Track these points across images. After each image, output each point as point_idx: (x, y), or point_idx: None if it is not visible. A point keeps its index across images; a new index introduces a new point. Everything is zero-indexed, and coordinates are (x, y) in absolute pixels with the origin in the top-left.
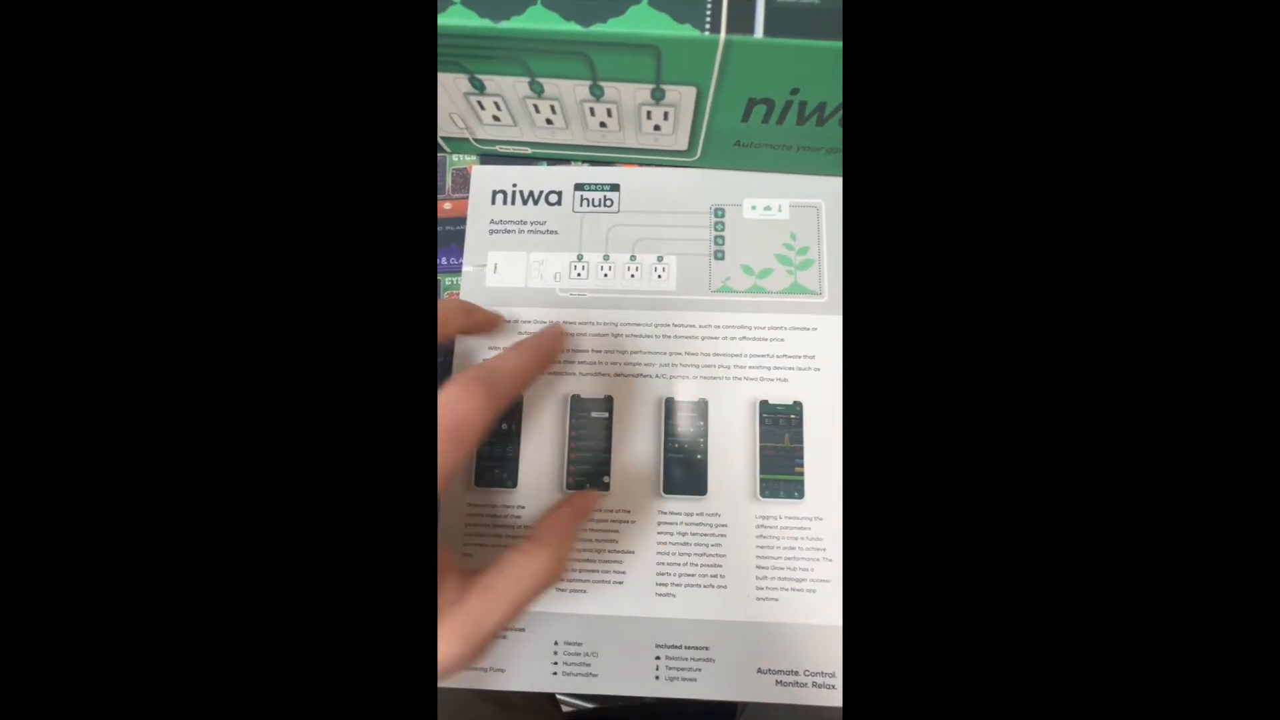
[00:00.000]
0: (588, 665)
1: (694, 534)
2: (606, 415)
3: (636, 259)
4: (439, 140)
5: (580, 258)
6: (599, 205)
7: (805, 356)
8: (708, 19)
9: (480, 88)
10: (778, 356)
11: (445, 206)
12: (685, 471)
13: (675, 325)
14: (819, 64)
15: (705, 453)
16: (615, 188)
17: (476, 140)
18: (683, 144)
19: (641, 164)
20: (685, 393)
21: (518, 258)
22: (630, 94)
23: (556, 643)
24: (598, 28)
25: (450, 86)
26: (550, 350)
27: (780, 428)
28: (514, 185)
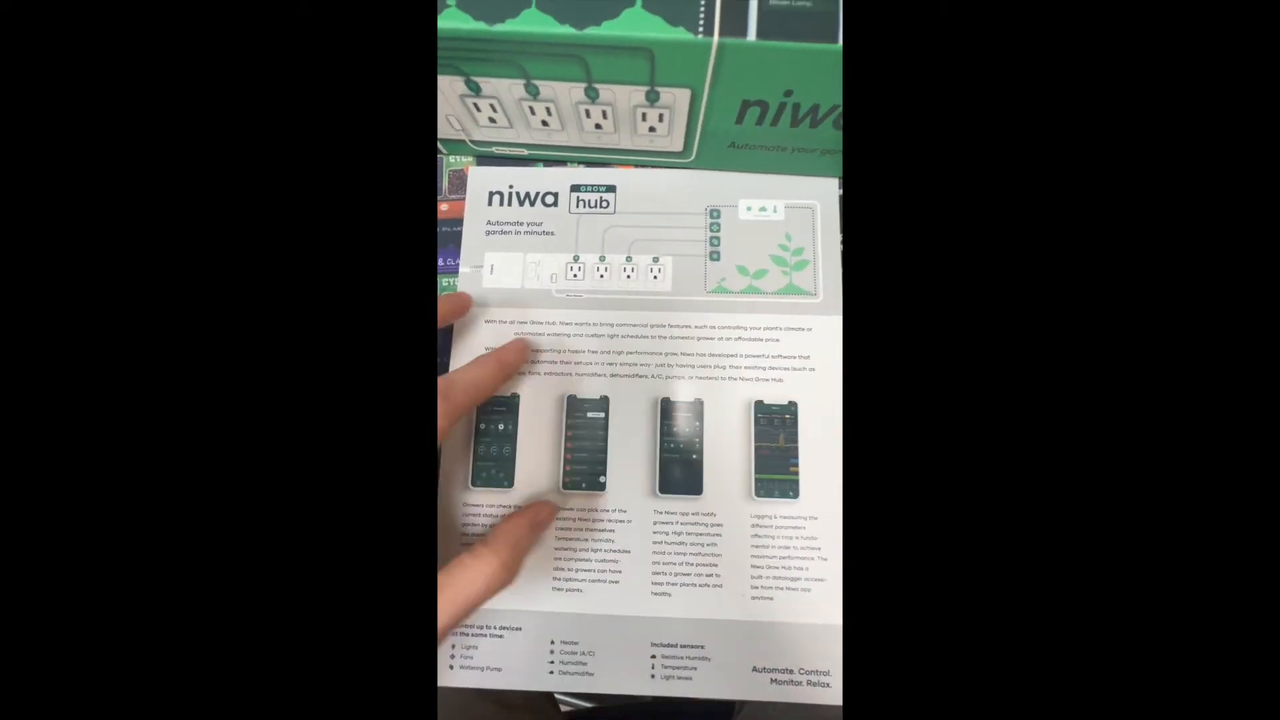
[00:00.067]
0: (584, 664)
1: (689, 533)
2: (603, 415)
3: (632, 260)
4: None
5: (577, 259)
6: (595, 206)
7: (800, 357)
8: (701, 21)
9: (476, 90)
10: (773, 357)
11: (442, 208)
12: (681, 471)
13: (671, 326)
14: (812, 66)
15: (701, 453)
16: (611, 189)
17: (473, 142)
18: (678, 145)
19: (637, 165)
20: (681, 393)
21: (514, 259)
22: (625, 96)
23: (553, 642)
24: (592, 31)
25: (446, 89)
26: (511, 363)
27: (775, 428)
28: (510, 186)
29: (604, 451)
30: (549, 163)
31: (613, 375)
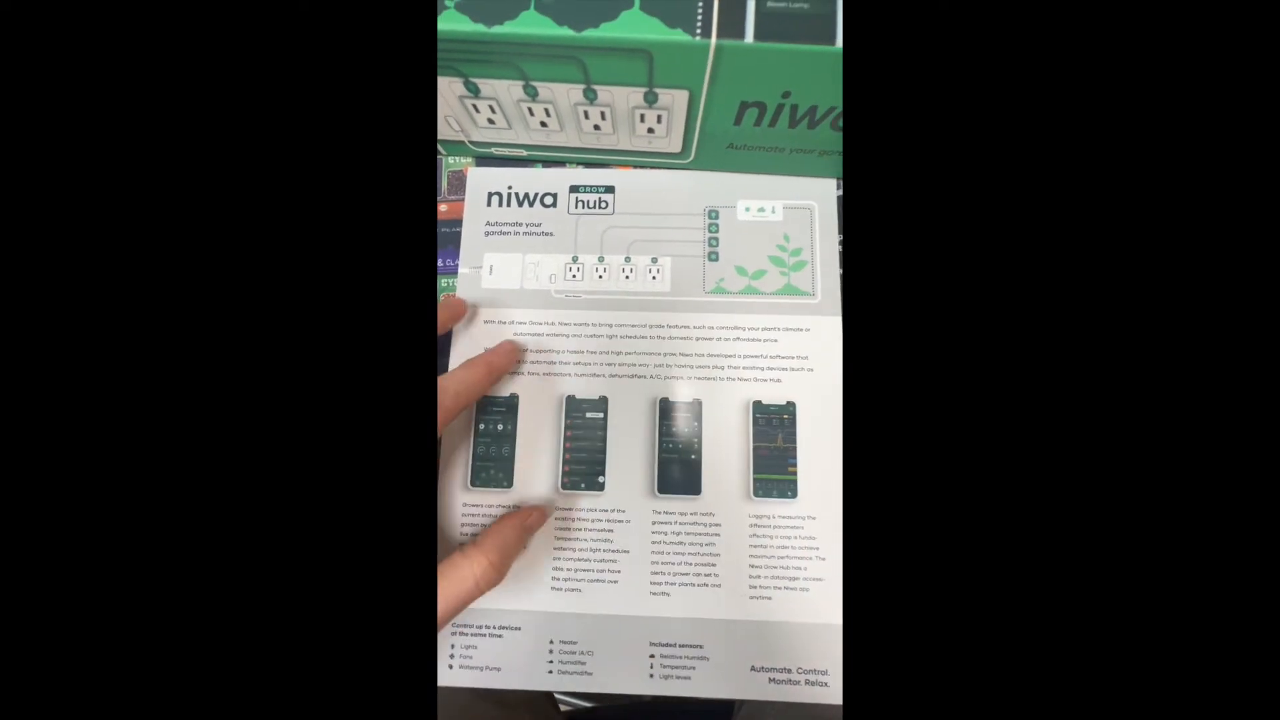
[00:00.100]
0: (583, 664)
1: (688, 533)
2: (602, 416)
3: (631, 260)
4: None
5: (575, 259)
6: (594, 207)
7: (798, 357)
8: (699, 23)
9: (475, 91)
10: (771, 357)
11: (441, 208)
12: (679, 471)
13: (670, 326)
14: (809, 68)
15: (699, 453)
16: (610, 190)
17: (472, 143)
18: (676, 146)
19: (636, 166)
20: (679, 393)
21: (513, 259)
22: (623, 97)
23: (552, 642)
24: (590, 32)
25: (445, 90)
26: (500, 365)
27: (773, 428)
28: (509, 187)
29: (603, 452)
30: (548, 163)
31: (611, 375)
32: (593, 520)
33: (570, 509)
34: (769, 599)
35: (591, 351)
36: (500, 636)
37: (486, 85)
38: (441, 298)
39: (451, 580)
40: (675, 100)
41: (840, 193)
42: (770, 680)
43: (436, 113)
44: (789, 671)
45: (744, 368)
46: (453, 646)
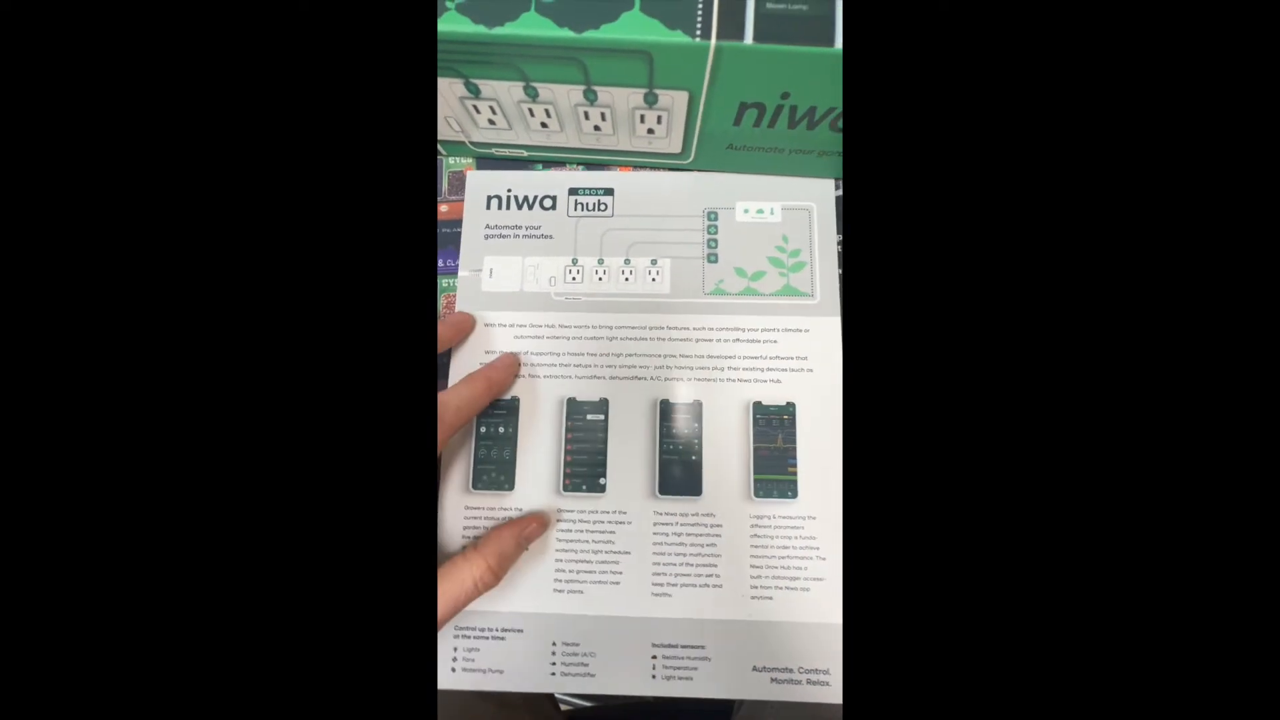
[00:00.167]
0: (585, 665)
1: (689, 534)
2: (602, 418)
3: (631, 262)
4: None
5: (575, 261)
6: (593, 209)
7: (798, 358)
8: (698, 25)
9: (475, 92)
10: (770, 358)
11: (442, 209)
12: (680, 472)
13: (669, 328)
14: (809, 69)
15: (700, 454)
16: (609, 192)
17: (472, 143)
18: (676, 147)
19: (636, 167)
20: (680, 394)
21: (513, 262)
22: (623, 98)
23: (554, 643)
24: (590, 34)
25: (446, 91)
26: (500, 380)
27: (773, 428)
28: (509, 190)
29: (603, 453)
30: (548, 164)
31: (612, 377)
32: (594, 522)
33: (572, 511)
34: (770, 599)
35: (592, 354)
36: (503, 639)
37: (487, 86)
38: (450, 315)
39: (451, 582)
40: (675, 101)
41: (839, 193)
42: (772, 680)
43: (436, 113)
44: (790, 671)
45: (744, 369)
46: (455, 649)
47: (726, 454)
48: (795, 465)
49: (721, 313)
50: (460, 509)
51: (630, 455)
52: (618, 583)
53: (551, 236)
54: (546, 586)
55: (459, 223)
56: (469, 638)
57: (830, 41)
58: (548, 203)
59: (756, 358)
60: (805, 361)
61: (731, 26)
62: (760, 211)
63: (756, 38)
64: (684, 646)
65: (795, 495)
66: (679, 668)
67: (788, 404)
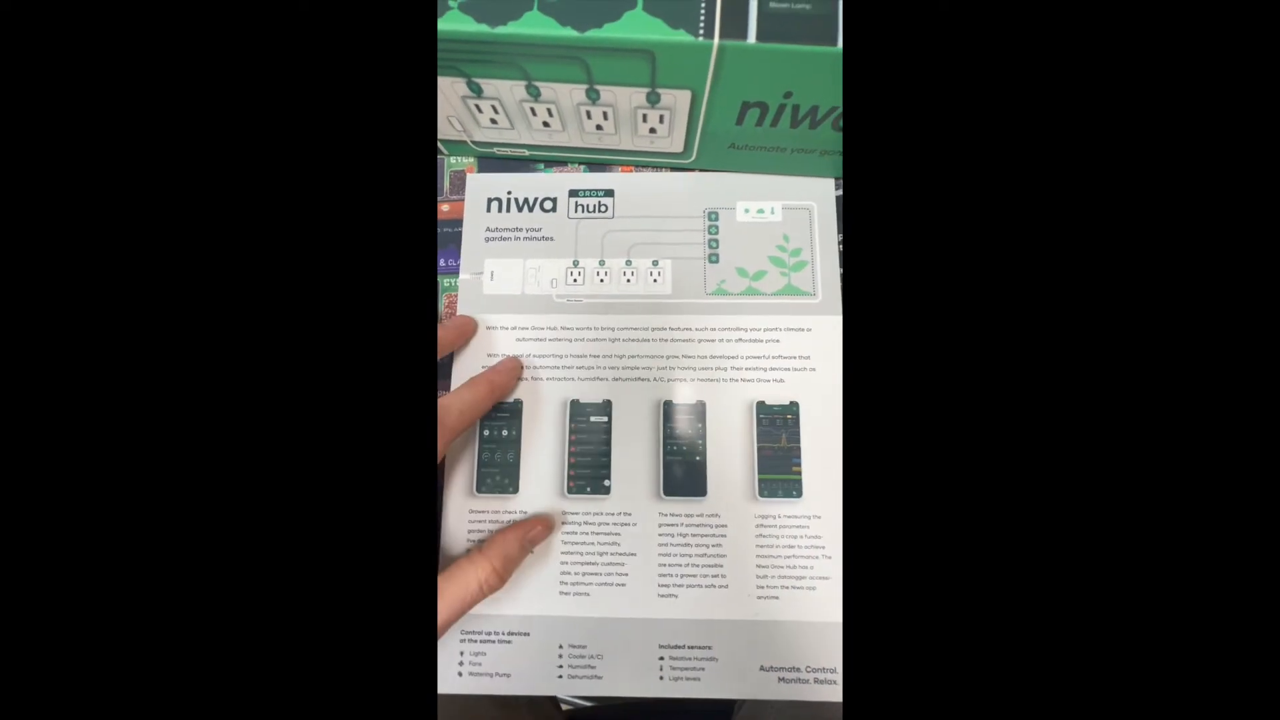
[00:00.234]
0: (593, 668)
1: (694, 535)
2: (606, 419)
3: (632, 263)
4: (437, 143)
5: (576, 263)
6: (594, 211)
7: (800, 357)
8: (701, 24)
9: (478, 91)
10: (773, 358)
11: (443, 208)
12: (684, 473)
13: (672, 329)
14: (811, 68)
15: (704, 454)
16: (610, 193)
17: (474, 143)
18: (678, 146)
19: (637, 166)
20: (683, 395)
21: (514, 265)
22: (626, 97)
23: (561, 646)
24: (593, 33)
25: (448, 90)
26: (502, 384)
27: (777, 428)
28: (509, 192)
29: (607, 455)
30: (550, 164)
31: (615, 379)
32: (599, 524)
33: (577, 513)
34: (776, 598)
35: (594, 355)
36: (509, 642)
37: (489, 85)
38: (452, 318)
39: (457, 584)
40: (678, 100)
41: (839, 193)
42: (779, 679)
43: (437, 113)
44: (798, 670)
45: (746, 368)
46: (461, 654)
47: (730, 454)
48: (799, 465)
49: (723, 313)
50: (465, 512)
51: (634, 457)
52: (624, 584)
53: (552, 238)
54: (552, 589)
55: (460, 222)
56: (475, 641)
57: (833, 41)
58: (548, 205)
59: (759, 357)
60: (808, 361)
61: (734, 25)
62: (761, 211)
63: (760, 37)
64: (691, 647)
65: (800, 494)
66: (686, 668)
67: (791, 403)
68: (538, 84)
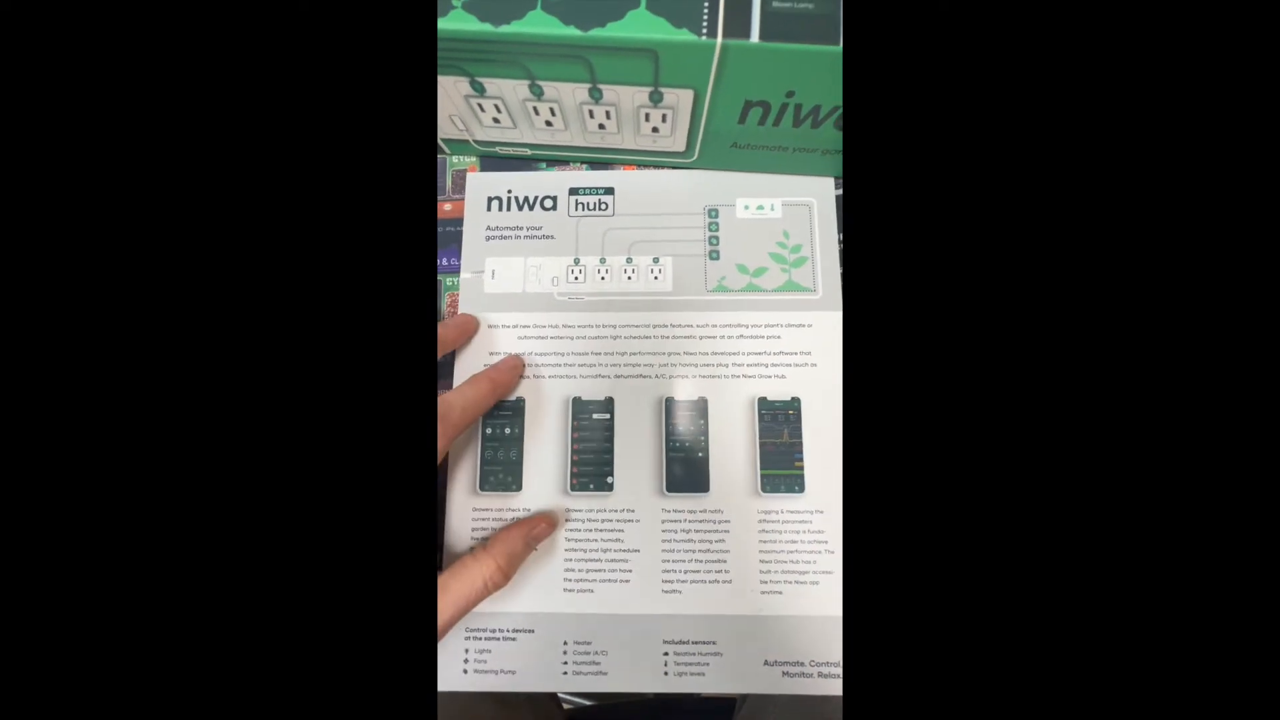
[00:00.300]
0: (597, 664)
1: (697, 531)
2: (608, 416)
3: (633, 261)
4: (439, 142)
5: (577, 261)
6: (594, 209)
7: (801, 353)
8: (704, 23)
9: (480, 90)
10: (774, 353)
11: (445, 207)
12: (687, 469)
13: (673, 325)
14: (814, 67)
15: (706, 450)
16: (610, 191)
17: (476, 142)
18: (680, 145)
19: (640, 165)
20: (685, 392)
21: (515, 263)
22: (629, 96)
23: (566, 643)
24: (596, 32)
25: (451, 89)
26: (504, 381)
27: (779, 423)
28: (509, 191)
29: (610, 452)
30: (552, 163)
31: (616, 376)
32: (602, 520)
33: (580, 510)
34: (780, 593)
35: (596, 353)
36: (514, 640)
37: (492, 84)
38: (454, 318)
39: (462, 581)
40: (680, 99)
41: (839, 192)
42: (784, 674)
43: (437, 113)
44: (802, 665)
45: (748, 364)
46: (466, 651)
47: (733, 450)
48: (801, 460)
49: (724, 309)
50: (468, 511)
51: (637, 453)
52: (628, 581)
53: (553, 237)
54: (556, 586)
55: (461, 221)
56: (480, 639)
57: (836, 40)
58: (548, 203)
59: (760, 353)
60: (809, 356)
61: (738, 25)
62: (761, 208)
63: (763, 36)
64: (695, 643)
65: (802, 489)
66: (691, 664)
67: (793, 399)
68: (541, 83)
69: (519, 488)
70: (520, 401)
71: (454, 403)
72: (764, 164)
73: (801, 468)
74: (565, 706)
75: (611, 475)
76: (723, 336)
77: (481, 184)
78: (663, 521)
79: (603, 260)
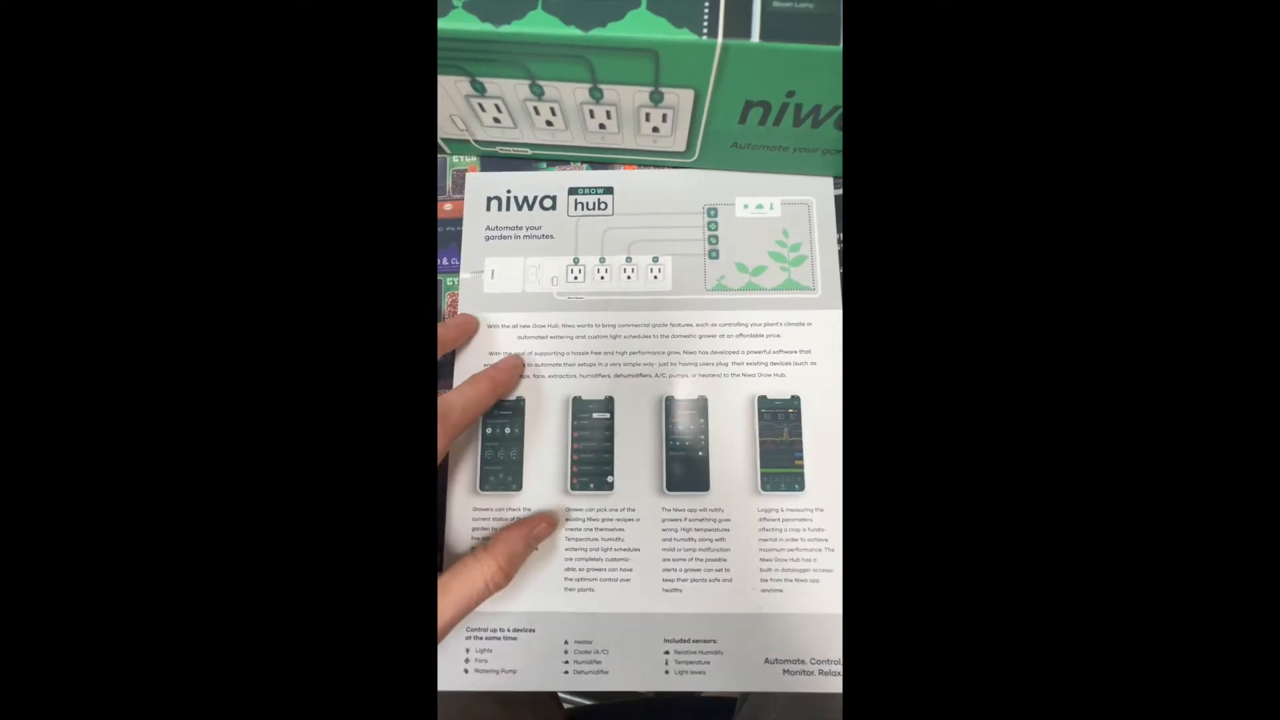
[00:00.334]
0: (598, 663)
1: (698, 529)
2: (608, 416)
3: (632, 260)
4: (440, 142)
5: (577, 261)
6: (593, 209)
7: (801, 351)
8: (705, 23)
9: (481, 90)
10: (774, 352)
11: (445, 207)
12: (687, 468)
13: (672, 325)
14: (815, 67)
15: (706, 449)
16: (609, 191)
17: (477, 141)
18: (681, 145)
19: (640, 165)
20: (685, 391)
21: (514, 263)
22: (629, 96)
23: (567, 642)
24: (597, 32)
25: (451, 89)
26: (504, 381)
27: (779, 422)
28: (508, 191)
29: (610, 451)
30: (552, 163)
31: (616, 375)
32: (603, 520)
33: (580, 509)
34: (780, 591)
35: (596, 352)
36: (515, 639)
37: (493, 84)
38: (454, 317)
39: (463, 581)
40: (681, 99)
41: (838, 191)
42: (784, 672)
43: (437, 112)
44: (802, 662)
45: (748, 363)
46: (467, 651)
47: (733, 449)
48: (801, 458)
49: (724, 308)
50: (469, 510)
51: (637, 452)
52: (628, 579)
53: (552, 236)
54: (557, 585)
55: (462, 221)
56: (481, 639)
57: (836, 40)
58: (548, 203)
59: (760, 352)
60: (809, 355)
61: (738, 24)
62: (760, 206)
63: (763, 36)
64: (696, 641)
65: (802, 488)
66: (692, 662)
67: (792, 397)
68: (541, 83)
69: (519, 487)
70: (520, 401)
71: (454, 403)
72: (764, 164)
73: (801, 466)
74: (566, 706)
75: (612, 474)
76: (722, 335)
77: (481, 184)
78: (663, 520)
79: (602, 260)
